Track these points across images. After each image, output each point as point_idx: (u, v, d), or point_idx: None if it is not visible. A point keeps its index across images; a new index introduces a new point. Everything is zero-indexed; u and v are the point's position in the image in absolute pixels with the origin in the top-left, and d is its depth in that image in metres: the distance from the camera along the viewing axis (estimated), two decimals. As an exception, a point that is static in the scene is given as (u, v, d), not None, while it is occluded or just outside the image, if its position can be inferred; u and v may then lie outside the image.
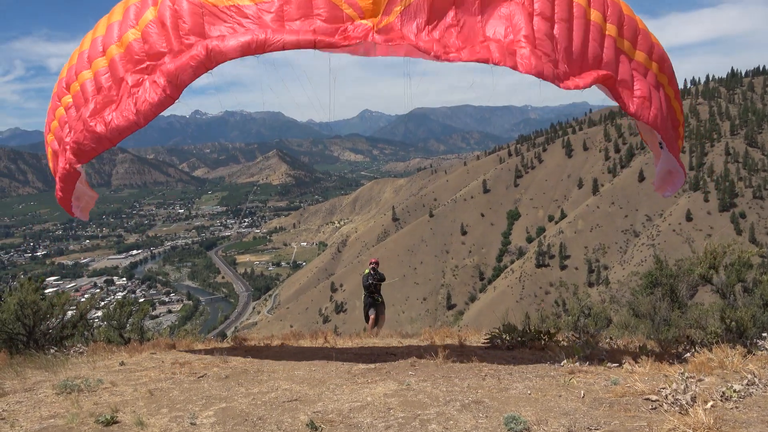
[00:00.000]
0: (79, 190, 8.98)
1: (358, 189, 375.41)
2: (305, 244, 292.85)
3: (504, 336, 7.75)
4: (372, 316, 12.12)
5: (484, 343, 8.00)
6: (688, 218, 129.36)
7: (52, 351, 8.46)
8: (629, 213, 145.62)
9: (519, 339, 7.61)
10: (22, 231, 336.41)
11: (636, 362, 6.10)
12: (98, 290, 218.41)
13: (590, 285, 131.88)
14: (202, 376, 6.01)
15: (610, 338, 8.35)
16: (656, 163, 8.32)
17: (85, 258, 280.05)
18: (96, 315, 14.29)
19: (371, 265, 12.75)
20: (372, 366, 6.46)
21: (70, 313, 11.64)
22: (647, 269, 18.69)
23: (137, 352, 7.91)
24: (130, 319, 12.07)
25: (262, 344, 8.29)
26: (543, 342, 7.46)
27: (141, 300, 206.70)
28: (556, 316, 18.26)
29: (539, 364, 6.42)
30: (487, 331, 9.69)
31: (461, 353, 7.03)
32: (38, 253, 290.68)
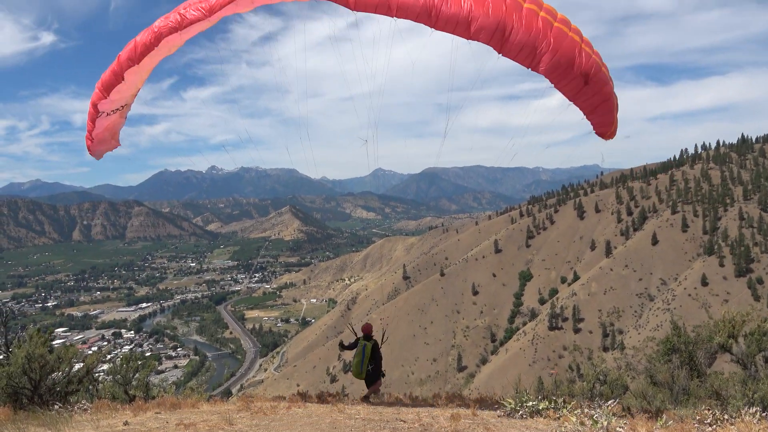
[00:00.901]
0: (111, 126, 9.00)
1: (369, 246, 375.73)
2: (315, 300, 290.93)
3: (518, 405, 7.51)
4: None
5: (497, 411, 7.74)
6: (704, 283, 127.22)
7: (56, 407, 8.32)
8: (643, 276, 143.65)
9: (534, 408, 7.36)
10: (35, 281, 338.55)
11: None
12: (106, 343, 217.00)
13: (605, 349, 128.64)
14: (206, 440, 5.85)
15: (629, 408, 8.05)
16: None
17: (94, 310, 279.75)
18: (102, 369, 14.13)
19: (369, 334, 10.60)
20: (381, 434, 6.24)
21: (76, 366, 11.54)
22: (664, 335, 18.27)
23: (142, 411, 7.73)
24: (136, 375, 11.90)
25: (269, 406, 8.08)
26: (559, 411, 7.20)
27: (148, 354, 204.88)
28: (571, 382, 17.73)
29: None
30: (500, 397, 9.40)
31: (473, 422, 6.80)
32: (49, 304, 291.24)
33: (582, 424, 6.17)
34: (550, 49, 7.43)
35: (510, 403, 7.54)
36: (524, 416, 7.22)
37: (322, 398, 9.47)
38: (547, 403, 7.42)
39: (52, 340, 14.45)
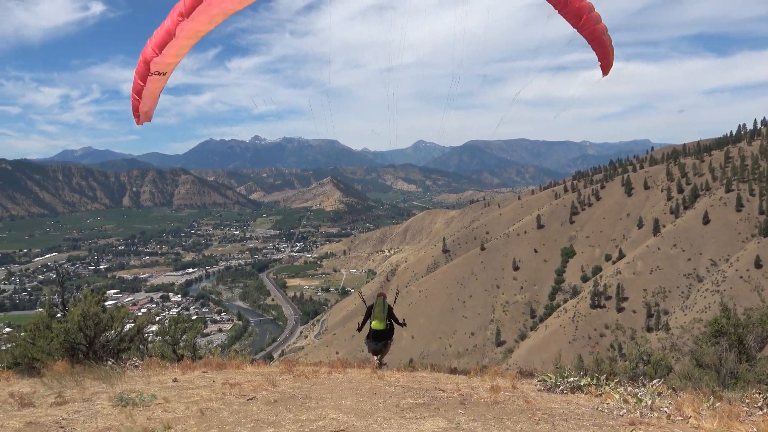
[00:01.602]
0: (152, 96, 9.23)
1: (409, 219, 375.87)
2: (354, 271, 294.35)
3: (559, 379, 7.44)
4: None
5: (537, 385, 7.69)
6: (758, 265, 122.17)
7: (109, 363, 8.73)
8: (692, 256, 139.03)
9: (575, 384, 7.27)
10: (88, 244, 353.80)
11: (702, 417, 5.70)
12: (154, 306, 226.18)
13: (649, 330, 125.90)
14: (251, 399, 6.04)
15: (673, 389, 7.86)
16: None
17: (143, 273, 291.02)
18: (151, 329, 14.71)
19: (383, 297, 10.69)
20: (421, 401, 6.30)
21: (128, 326, 12.04)
22: (712, 317, 17.71)
23: (190, 370, 8.04)
24: (183, 336, 12.35)
25: (310, 370, 8.28)
26: (601, 388, 7.09)
27: (194, 317, 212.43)
28: (612, 361, 17.46)
29: (597, 411, 6.08)
30: (540, 372, 9.33)
31: (513, 394, 6.77)
32: (101, 267, 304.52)
33: (625, 401, 6.06)
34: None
35: (550, 378, 7.47)
36: (565, 391, 7.14)
37: (361, 365, 9.63)
38: (588, 379, 7.32)
39: (105, 300, 15.10)
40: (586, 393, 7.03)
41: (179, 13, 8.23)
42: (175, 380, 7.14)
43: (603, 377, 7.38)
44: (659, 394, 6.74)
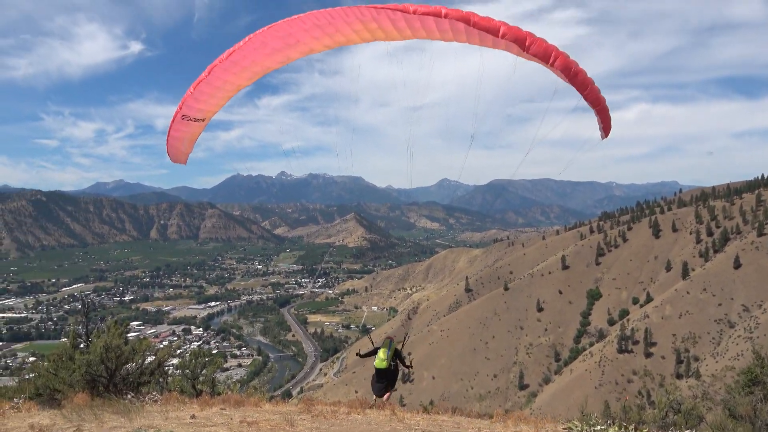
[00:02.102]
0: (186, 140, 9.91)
1: (432, 257, 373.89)
2: (376, 308, 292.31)
3: (585, 427, 7.15)
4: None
5: (562, 431, 7.40)
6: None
7: (129, 396, 8.72)
8: (723, 301, 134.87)
9: (601, 431, 6.98)
10: (114, 276, 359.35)
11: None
12: (176, 338, 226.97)
13: (678, 377, 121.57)
14: (268, 439, 5.94)
15: (706, 442, 7.50)
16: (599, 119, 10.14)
17: (167, 306, 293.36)
18: (172, 363, 14.71)
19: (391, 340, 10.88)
20: (441, 447, 6.11)
21: (149, 359, 12.07)
22: (744, 365, 17.04)
23: (208, 406, 7.97)
24: (203, 371, 12.31)
25: (329, 410, 8.12)
26: (629, 439, 6.80)
27: (214, 351, 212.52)
28: (641, 409, 16.84)
29: None
30: (564, 420, 9.02)
31: (537, 442, 6.53)
32: (126, 298, 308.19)
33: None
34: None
35: (576, 426, 7.19)
36: (591, 441, 6.87)
37: (381, 406, 9.44)
38: (616, 428, 7.03)
39: (128, 332, 15.23)
40: (614, 443, 6.75)
41: (218, 67, 8.74)
42: (192, 417, 7.07)
43: (631, 427, 7.08)
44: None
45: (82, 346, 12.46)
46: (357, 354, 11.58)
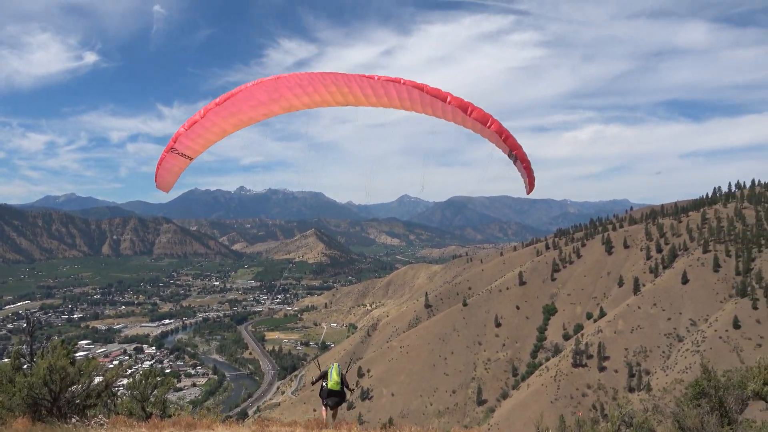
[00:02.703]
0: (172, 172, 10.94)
1: (392, 273, 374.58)
2: (335, 325, 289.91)
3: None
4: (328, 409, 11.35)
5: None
6: (736, 326, 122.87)
7: (73, 421, 8.32)
8: (672, 316, 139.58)
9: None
10: (63, 293, 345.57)
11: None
12: (127, 358, 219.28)
13: (631, 390, 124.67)
14: (219, 463, 5.72)
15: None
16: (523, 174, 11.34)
17: (118, 324, 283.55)
18: (121, 383, 14.17)
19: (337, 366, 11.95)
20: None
21: (96, 380, 11.60)
22: (692, 377, 17.58)
23: (157, 430, 7.66)
24: (154, 392, 11.89)
25: (285, 431, 7.91)
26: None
27: (168, 370, 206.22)
28: (594, 423, 17.16)
29: None
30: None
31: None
32: (75, 316, 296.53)
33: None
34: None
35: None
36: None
37: (338, 427, 9.29)
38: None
39: (75, 352, 14.64)
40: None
41: (207, 110, 9.87)
42: (140, 441, 6.79)
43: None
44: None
45: (25, 367, 11.93)
46: (311, 382, 12.33)
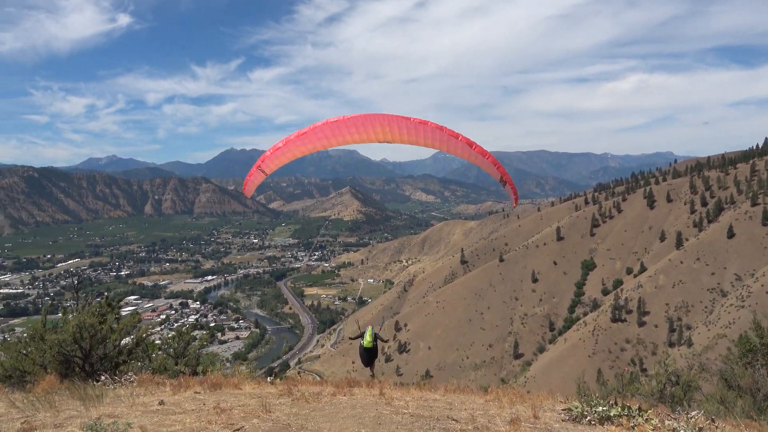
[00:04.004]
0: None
1: (427, 229, 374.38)
2: (372, 280, 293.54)
3: (586, 408, 6.70)
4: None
5: (562, 414, 6.95)
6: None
7: (102, 378, 8.23)
8: (716, 270, 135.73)
9: (604, 414, 6.53)
10: (110, 251, 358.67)
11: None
12: (173, 312, 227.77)
13: (671, 345, 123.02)
14: (238, 429, 5.41)
15: (712, 419, 7.07)
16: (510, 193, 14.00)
17: (163, 280, 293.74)
18: (158, 338, 14.23)
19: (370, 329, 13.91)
20: (431, 436, 5.61)
21: (128, 339, 11.56)
22: (736, 333, 16.65)
23: (182, 389, 7.47)
24: (188, 349, 11.84)
25: (312, 392, 7.63)
26: (634, 420, 6.35)
27: (212, 324, 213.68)
28: (635, 378, 16.50)
29: None
30: (562, 396, 8.58)
31: (535, 427, 6.06)
32: (122, 273, 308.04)
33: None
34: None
35: (576, 407, 6.74)
36: (593, 422, 6.41)
37: (370, 384, 8.99)
38: (619, 409, 6.58)
39: (120, 308, 14.76)
40: (617, 425, 6.30)
41: (287, 140, 13.01)
42: (161, 402, 6.58)
43: (636, 407, 6.63)
44: (700, 430, 5.99)
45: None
46: (349, 338, 15.63)
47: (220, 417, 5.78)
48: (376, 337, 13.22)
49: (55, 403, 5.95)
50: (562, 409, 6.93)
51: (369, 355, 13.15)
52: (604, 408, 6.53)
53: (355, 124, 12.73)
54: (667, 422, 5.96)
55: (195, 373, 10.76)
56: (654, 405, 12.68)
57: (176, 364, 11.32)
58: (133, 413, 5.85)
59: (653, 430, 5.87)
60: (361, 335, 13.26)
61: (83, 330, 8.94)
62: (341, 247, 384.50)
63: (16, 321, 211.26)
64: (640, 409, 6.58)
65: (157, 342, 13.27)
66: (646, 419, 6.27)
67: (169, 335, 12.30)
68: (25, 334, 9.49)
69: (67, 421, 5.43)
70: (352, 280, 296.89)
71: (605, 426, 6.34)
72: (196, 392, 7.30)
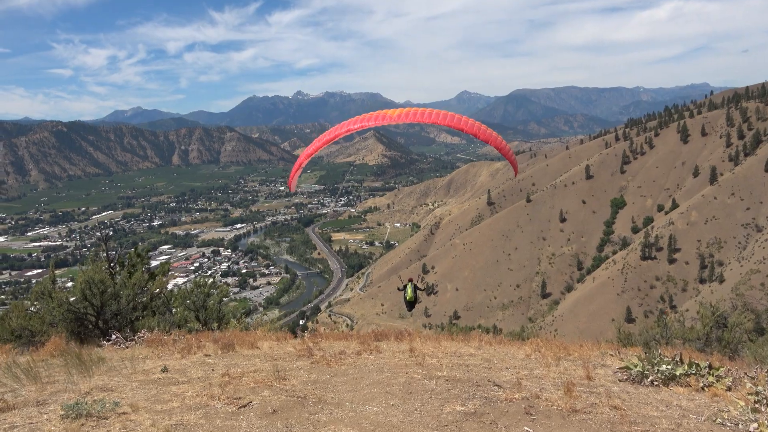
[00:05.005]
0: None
1: (453, 171, 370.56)
2: (398, 224, 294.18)
3: (647, 367, 5.88)
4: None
5: (618, 373, 6.15)
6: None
7: (112, 338, 7.72)
8: (752, 205, 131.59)
9: (669, 373, 5.71)
10: (141, 202, 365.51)
11: None
12: (206, 260, 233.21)
13: (702, 281, 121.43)
14: (245, 406, 4.74)
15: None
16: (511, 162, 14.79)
17: (194, 229, 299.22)
18: (177, 287, 13.84)
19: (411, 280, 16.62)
20: (471, 407, 4.85)
21: (166, 285, 11.13)
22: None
23: (191, 352, 6.88)
24: (207, 301, 11.34)
25: (336, 351, 6.95)
26: (703, 379, 5.53)
27: (244, 271, 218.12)
28: (677, 322, 15.59)
29: (719, 426, 4.43)
30: (621, 355, 7.74)
31: (591, 391, 5.29)
32: (155, 223, 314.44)
33: (755, 410, 4.44)
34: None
35: (636, 366, 5.92)
36: (656, 383, 5.62)
37: (399, 337, 8.31)
38: (686, 367, 5.74)
39: (150, 259, 14.33)
40: (684, 386, 5.49)
41: (325, 140, 15.43)
42: (164, 369, 5.98)
43: (705, 365, 5.77)
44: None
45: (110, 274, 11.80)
46: (398, 288, 17.56)
47: (227, 388, 5.12)
48: (415, 289, 16.04)
49: (42, 378, 5.36)
50: (619, 368, 6.11)
51: (411, 305, 16.17)
52: (668, 366, 5.69)
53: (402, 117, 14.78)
54: (748, 385, 5.10)
55: (221, 326, 10.27)
56: (706, 353, 11.78)
57: (197, 318, 10.85)
58: (130, 384, 5.23)
59: (727, 391, 5.05)
60: (404, 288, 16.15)
61: (93, 286, 8.39)
62: (367, 192, 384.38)
63: (58, 272, 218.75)
64: (710, 366, 5.73)
65: (178, 293, 12.83)
66: (718, 378, 5.44)
67: (188, 287, 11.80)
68: (32, 291, 9.03)
69: (51, 397, 4.84)
70: (379, 225, 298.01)
71: (670, 387, 5.53)
72: (206, 355, 6.68)
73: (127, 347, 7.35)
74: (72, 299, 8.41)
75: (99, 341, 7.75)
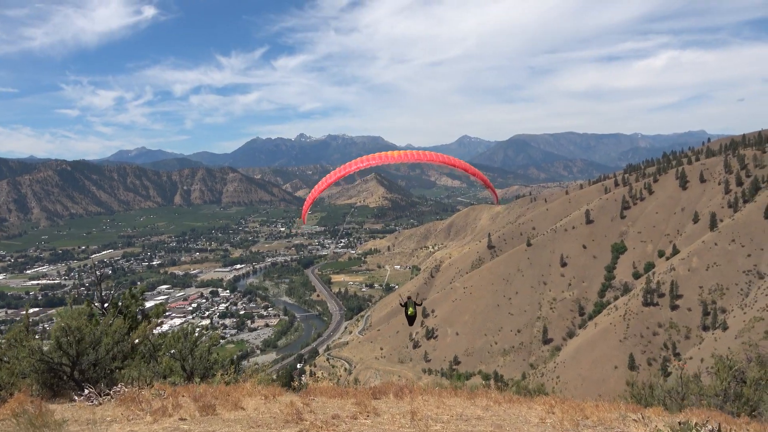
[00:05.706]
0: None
1: (453, 214, 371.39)
2: (398, 267, 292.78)
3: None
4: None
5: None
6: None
7: (85, 393, 7.09)
8: (753, 252, 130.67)
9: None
10: (141, 241, 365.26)
11: None
12: (204, 301, 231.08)
13: (705, 329, 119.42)
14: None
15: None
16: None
17: (194, 269, 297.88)
18: (165, 336, 13.19)
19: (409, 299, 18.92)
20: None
21: (159, 326, 10.56)
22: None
23: (165, 415, 6.23)
24: (194, 351, 10.70)
25: (328, 415, 6.30)
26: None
27: (242, 312, 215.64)
28: (695, 377, 14.86)
29: None
30: (624, 399, 7.12)
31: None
32: (154, 262, 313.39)
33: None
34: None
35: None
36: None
37: (399, 394, 7.66)
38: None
39: (144, 300, 13.78)
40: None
41: (331, 180, 16.95)
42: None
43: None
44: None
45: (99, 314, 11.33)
46: (399, 304, 19.12)
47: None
48: (414, 305, 18.32)
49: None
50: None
51: (411, 320, 18.37)
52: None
53: (370, 159, 17.43)
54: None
55: (208, 376, 9.61)
56: (725, 410, 11.06)
57: (183, 367, 10.19)
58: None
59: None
60: (406, 305, 18.33)
61: (69, 334, 7.81)
62: (367, 234, 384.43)
63: (54, 311, 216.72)
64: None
65: (165, 341, 12.19)
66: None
67: (177, 333, 11.18)
68: (3, 340, 8.44)
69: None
70: (379, 267, 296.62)
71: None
72: (182, 419, 6.03)
73: (100, 404, 6.73)
74: (46, 348, 7.82)
75: (72, 395, 7.14)
